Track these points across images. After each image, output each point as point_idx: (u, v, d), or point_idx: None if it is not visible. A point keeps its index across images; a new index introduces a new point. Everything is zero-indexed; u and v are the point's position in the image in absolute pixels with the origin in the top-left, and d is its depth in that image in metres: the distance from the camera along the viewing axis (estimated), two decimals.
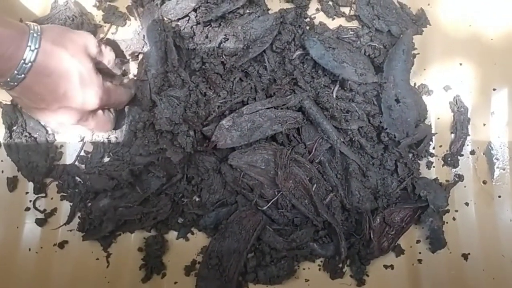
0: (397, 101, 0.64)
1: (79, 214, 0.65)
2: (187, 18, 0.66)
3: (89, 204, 0.64)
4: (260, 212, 0.61)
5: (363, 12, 0.68)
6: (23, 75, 0.50)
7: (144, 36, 0.65)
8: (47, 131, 0.66)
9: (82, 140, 0.66)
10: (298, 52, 0.66)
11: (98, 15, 0.69)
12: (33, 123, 0.66)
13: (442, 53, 0.69)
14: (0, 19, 0.49)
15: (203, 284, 0.61)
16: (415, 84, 0.68)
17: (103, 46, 0.59)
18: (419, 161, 0.67)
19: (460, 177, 0.66)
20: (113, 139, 0.65)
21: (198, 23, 0.66)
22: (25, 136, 0.65)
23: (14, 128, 0.65)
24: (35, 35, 0.50)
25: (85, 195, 0.64)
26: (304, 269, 0.64)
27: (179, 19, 0.66)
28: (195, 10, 0.65)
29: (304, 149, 0.63)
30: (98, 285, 0.63)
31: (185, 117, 0.62)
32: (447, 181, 0.67)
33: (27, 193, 0.66)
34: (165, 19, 0.66)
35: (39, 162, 0.64)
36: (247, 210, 0.62)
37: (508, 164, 0.67)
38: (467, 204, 0.66)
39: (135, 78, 0.66)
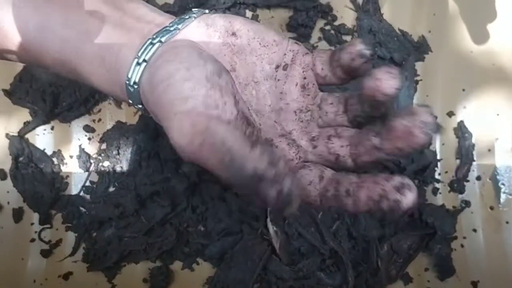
0: None
1: (84, 245, 0.64)
2: None
3: (94, 234, 0.64)
4: (265, 241, 0.61)
5: (365, 40, 0.69)
6: (134, 88, 0.34)
7: None
8: (52, 162, 0.66)
9: (87, 170, 0.66)
10: None
11: None
12: (39, 154, 0.66)
13: (444, 79, 0.69)
14: (125, 19, 0.35)
15: None
16: None
17: None
18: (425, 188, 0.66)
19: (467, 203, 0.66)
20: (118, 169, 0.66)
21: None
22: (31, 166, 0.65)
23: (21, 159, 0.65)
24: (154, 41, 0.34)
25: (90, 225, 0.64)
26: None
27: None
28: None
29: None
30: None
31: None
32: (454, 207, 0.66)
33: (32, 224, 0.65)
34: None
35: (44, 193, 0.64)
36: (252, 239, 0.61)
37: None
38: (475, 230, 0.65)
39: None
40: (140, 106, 0.35)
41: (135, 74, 0.33)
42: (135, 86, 0.33)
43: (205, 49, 0.35)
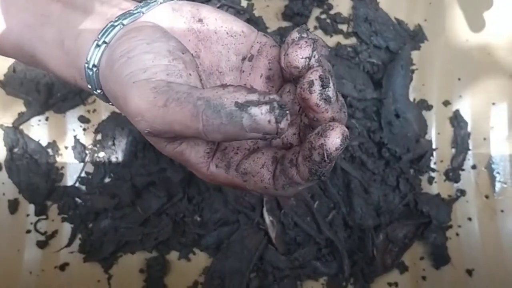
0: (397, 116, 0.65)
1: (80, 235, 0.64)
2: None
3: (90, 225, 0.64)
4: (262, 231, 0.61)
5: (360, 28, 0.69)
6: (93, 71, 0.32)
7: None
8: (47, 153, 0.66)
9: (83, 161, 0.66)
10: None
11: None
12: (34, 145, 0.66)
13: (440, 68, 0.69)
14: (89, 2, 0.34)
15: None
16: (414, 99, 0.68)
17: None
18: (420, 177, 0.66)
19: (462, 192, 0.66)
20: (113, 160, 0.65)
21: None
22: (26, 158, 0.65)
23: (15, 150, 0.65)
24: (115, 23, 0.32)
25: (86, 216, 0.64)
26: None
27: None
28: None
29: None
30: None
31: None
32: (449, 196, 0.66)
33: (28, 215, 0.65)
34: None
35: (40, 184, 0.64)
36: (249, 229, 0.62)
37: (509, 178, 0.67)
38: (470, 219, 0.66)
39: None
40: (99, 91, 0.33)
41: (94, 56, 0.31)
42: (94, 69, 0.32)
43: (169, 32, 0.34)
